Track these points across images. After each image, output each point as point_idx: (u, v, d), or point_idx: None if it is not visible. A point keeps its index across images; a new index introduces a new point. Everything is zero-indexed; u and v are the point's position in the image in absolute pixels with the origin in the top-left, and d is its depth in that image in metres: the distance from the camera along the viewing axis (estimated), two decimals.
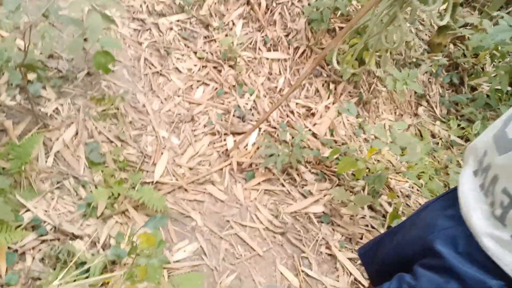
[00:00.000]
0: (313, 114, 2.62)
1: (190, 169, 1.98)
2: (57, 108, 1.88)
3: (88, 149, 1.79)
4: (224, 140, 2.18)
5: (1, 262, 1.40)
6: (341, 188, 2.00)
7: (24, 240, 1.49)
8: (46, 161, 1.72)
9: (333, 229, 1.93)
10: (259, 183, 2.04)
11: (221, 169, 2.05)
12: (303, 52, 2.82)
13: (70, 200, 1.66)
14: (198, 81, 2.37)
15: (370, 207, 2.06)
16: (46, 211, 1.58)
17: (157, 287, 1.44)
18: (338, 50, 1.68)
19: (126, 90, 2.07)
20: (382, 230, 1.95)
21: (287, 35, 2.85)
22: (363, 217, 2.00)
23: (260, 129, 2.32)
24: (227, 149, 2.14)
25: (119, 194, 1.73)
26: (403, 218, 1.98)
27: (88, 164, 1.78)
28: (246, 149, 2.19)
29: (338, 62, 1.73)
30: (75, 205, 1.65)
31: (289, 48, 2.80)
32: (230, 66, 2.53)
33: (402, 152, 1.73)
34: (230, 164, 2.07)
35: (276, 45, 2.78)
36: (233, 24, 2.72)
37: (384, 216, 2.04)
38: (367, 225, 1.97)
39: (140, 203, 1.72)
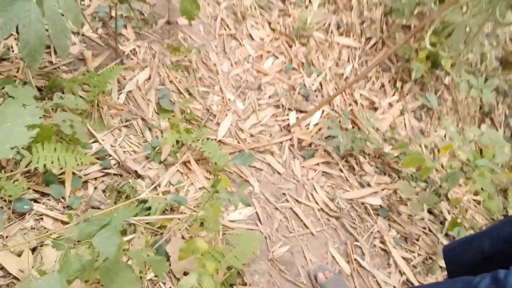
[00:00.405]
0: (375, 109, 2.52)
1: (252, 135, 1.93)
2: (134, 49, 1.86)
3: (160, 94, 1.76)
4: (287, 115, 2.11)
5: (67, 184, 1.38)
6: (405, 182, 1.90)
7: (89, 169, 1.47)
8: (118, 98, 1.70)
9: (389, 225, 1.84)
10: (317, 164, 1.96)
11: (281, 142, 1.99)
12: (374, 44, 2.72)
13: (135, 141, 1.63)
14: (268, 52, 2.32)
15: (429, 211, 1.96)
16: (112, 146, 1.56)
17: (214, 238, 1.40)
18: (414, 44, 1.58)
19: (200, 46, 2.03)
20: (440, 236, 1.85)
21: (361, 23, 2.75)
22: (421, 219, 1.90)
23: (323, 111, 2.24)
24: (288, 124, 2.07)
25: (182, 144, 1.69)
26: (465, 227, 1.88)
27: (156, 109, 1.76)
28: (308, 128, 2.12)
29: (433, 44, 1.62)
30: (140, 146, 1.62)
31: (361, 36, 2.70)
32: (301, 43, 2.47)
33: (481, 154, 1.62)
34: (290, 139, 2.01)
35: (349, 31, 2.69)
36: (310, 2, 2.65)
37: (442, 223, 1.93)
38: (424, 228, 1.87)
39: (202, 157, 1.68)
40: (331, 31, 2.63)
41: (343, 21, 2.68)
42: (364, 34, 2.71)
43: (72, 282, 0.86)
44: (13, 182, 1.28)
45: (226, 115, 1.93)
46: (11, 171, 1.32)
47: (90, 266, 0.84)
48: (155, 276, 1.28)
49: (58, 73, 1.62)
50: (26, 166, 1.30)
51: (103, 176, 1.49)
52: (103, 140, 1.55)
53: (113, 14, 1.83)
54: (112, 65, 1.66)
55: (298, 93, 2.24)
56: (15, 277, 1.15)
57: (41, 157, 1.29)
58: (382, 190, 1.97)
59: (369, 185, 1.97)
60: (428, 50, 2.17)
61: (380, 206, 1.89)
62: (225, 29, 2.22)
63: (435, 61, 2.67)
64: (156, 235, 1.38)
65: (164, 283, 1.28)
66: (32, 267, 1.18)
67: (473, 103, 2.92)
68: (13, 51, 1.63)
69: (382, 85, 2.66)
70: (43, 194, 1.35)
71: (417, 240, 1.82)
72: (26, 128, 0.67)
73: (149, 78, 1.83)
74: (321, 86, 2.37)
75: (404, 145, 1.99)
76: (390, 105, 2.59)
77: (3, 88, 1.39)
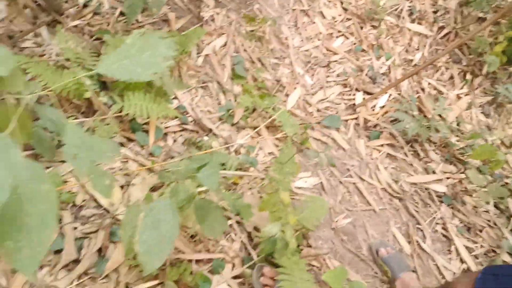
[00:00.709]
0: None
1: (318, 110, 1.94)
2: (213, 16, 1.91)
3: (235, 61, 1.81)
4: (354, 94, 2.10)
5: (151, 133, 1.46)
6: (475, 171, 1.85)
7: (169, 123, 1.55)
8: (196, 60, 1.76)
9: (453, 213, 1.80)
10: (382, 145, 1.95)
11: (346, 120, 1.98)
12: (447, 34, 2.63)
13: (210, 102, 1.69)
14: (339, 31, 2.30)
15: (495, 206, 1.89)
16: (190, 104, 1.63)
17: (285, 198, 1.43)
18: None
19: (276, 18, 2.05)
20: (505, 231, 1.78)
21: (435, 12, 2.67)
22: (486, 211, 1.84)
23: (390, 95, 2.21)
24: (354, 104, 2.06)
25: (253, 110, 1.74)
26: None
27: (231, 75, 1.81)
28: (373, 110, 2.10)
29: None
30: (214, 107, 1.68)
31: (433, 25, 2.62)
32: (372, 26, 2.43)
33: None
34: (356, 118, 2.00)
35: (422, 18, 2.61)
36: None
37: (508, 218, 1.86)
38: (489, 220, 1.81)
39: (272, 124, 1.72)
40: (403, 17, 2.57)
41: (416, 8, 2.61)
42: (437, 23, 2.62)
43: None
44: (106, 125, 1.37)
45: (295, 88, 1.95)
46: (102, 114, 1.42)
47: (191, 198, 0.90)
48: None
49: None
50: (117, 112, 1.39)
51: (181, 130, 1.57)
52: (182, 98, 1.63)
53: None
54: (196, 28, 1.72)
55: (366, 74, 2.22)
56: (105, 209, 1.25)
57: (132, 104, 1.38)
58: (447, 178, 1.92)
59: (434, 172, 1.92)
60: (506, 44, 2.07)
61: (444, 193, 1.85)
62: (298, 4, 2.23)
63: (510, 57, 2.54)
64: (229, 190, 1.44)
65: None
66: (120, 202, 1.27)
67: None
68: (104, 6, 1.74)
69: (451, 77, 2.57)
70: (129, 140, 1.44)
71: (481, 231, 1.77)
72: (162, 58, 0.73)
73: (225, 44, 1.88)
74: (389, 70, 2.33)
75: (476, 135, 1.93)
76: (458, 97, 2.51)
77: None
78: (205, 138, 1.56)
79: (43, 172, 0.60)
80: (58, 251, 1.17)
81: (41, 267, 1.13)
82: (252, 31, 1.98)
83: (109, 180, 0.70)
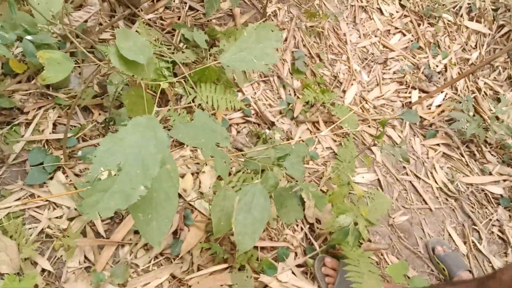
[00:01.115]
0: (498, 100, 2.38)
1: (374, 107, 1.96)
2: (275, 11, 1.96)
3: (296, 56, 1.85)
4: (409, 92, 2.10)
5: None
6: None
7: (233, 114, 1.62)
8: None
9: (510, 216, 1.78)
10: (438, 144, 1.94)
11: (402, 118, 1.98)
12: (507, 32, 2.55)
13: (271, 96, 1.75)
14: (396, 28, 2.29)
15: None
16: (252, 97, 1.69)
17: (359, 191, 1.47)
18: None
19: (337, 14, 2.07)
20: None
21: (495, 10, 2.59)
22: None
23: (446, 94, 2.18)
24: (410, 102, 2.06)
25: (312, 105, 1.78)
26: None
27: (291, 69, 1.85)
28: (429, 109, 2.09)
29: None
30: (275, 101, 1.74)
31: (493, 23, 2.55)
32: (429, 23, 2.40)
33: None
34: None
35: (480, 16, 2.55)
36: None
37: None
38: None
39: (330, 119, 1.75)
40: (461, 15, 2.51)
41: (476, 5, 2.54)
42: (496, 21, 2.55)
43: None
44: (178, 115, 1.46)
45: (352, 84, 1.97)
46: (176, 104, 1.50)
47: (277, 185, 0.96)
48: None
49: (211, 25, 1.78)
50: (187, 103, 1.47)
51: (244, 122, 1.63)
52: (246, 92, 1.69)
53: None
54: (259, 23, 1.78)
55: (422, 72, 2.20)
56: (179, 194, 1.34)
57: (204, 95, 1.46)
58: (504, 180, 1.89)
59: (490, 173, 1.90)
60: None
61: (501, 195, 1.83)
62: (357, 1, 2.24)
63: None
64: (289, 181, 1.49)
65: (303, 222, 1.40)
66: (192, 188, 1.36)
67: None
68: (174, 1, 1.82)
69: (509, 77, 2.50)
70: None
71: None
72: (273, 49, 0.78)
73: (286, 39, 1.92)
74: (445, 69, 2.30)
75: None
76: None
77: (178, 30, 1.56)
78: (267, 130, 1.62)
79: (169, 152, 0.67)
80: (137, 231, 1.27)
81: (123, 246, 1.23)
82: (311, 26, 2.01)
83: (227, 161, 0.77)
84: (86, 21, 1.53)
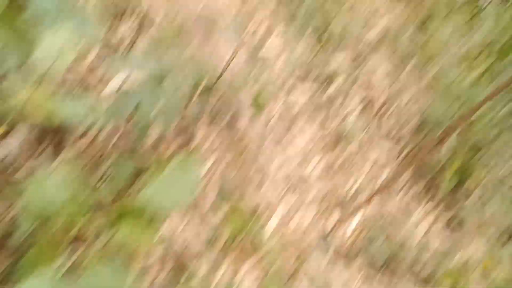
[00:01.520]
0: None
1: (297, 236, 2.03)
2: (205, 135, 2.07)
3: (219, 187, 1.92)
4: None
5: None
6: None
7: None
8: None
9: None
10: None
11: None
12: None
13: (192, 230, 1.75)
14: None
15: None
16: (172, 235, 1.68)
17: None
18: None
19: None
20: None
21: None
22: None
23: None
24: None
25: (235, 237, 1.80)
26: None
27: (213, 202, 1.90)
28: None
29: None
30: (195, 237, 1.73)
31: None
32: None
33: None
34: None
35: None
36: None
37: None
38: None
39: (254, 252, 1.77)
40: None
41: None
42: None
43: None
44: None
45: (273, 214, 2.05)
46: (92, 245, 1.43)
47: None
48: None
49: (140, 153, 1.82)
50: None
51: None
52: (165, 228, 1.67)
53: None
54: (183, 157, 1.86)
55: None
56: None
57: (120, 234, 1.41)
58: None
59: None
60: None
61: None
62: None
63: None
64: None
65: None
66: None
67: None
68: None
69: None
70: None
71: None
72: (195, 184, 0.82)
73: (210, 169, 2.01)
74: None
75: None
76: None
77: None
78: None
79: None
80: None
81: None
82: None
83: None
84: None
